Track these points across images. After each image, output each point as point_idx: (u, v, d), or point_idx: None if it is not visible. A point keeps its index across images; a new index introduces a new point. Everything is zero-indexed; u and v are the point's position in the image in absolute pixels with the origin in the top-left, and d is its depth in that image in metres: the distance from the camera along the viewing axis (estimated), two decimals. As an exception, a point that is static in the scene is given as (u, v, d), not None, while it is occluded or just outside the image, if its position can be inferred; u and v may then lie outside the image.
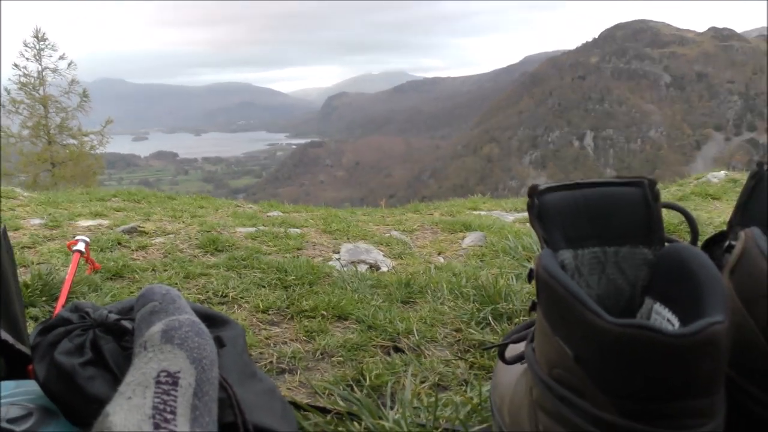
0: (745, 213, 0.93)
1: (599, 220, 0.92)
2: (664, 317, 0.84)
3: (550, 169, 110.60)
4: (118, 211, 3.17)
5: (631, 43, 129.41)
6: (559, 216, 0.93)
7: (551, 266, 0.78)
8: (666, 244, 0.92)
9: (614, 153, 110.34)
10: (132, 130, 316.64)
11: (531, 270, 0.87)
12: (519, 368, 1.05)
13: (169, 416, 0.69)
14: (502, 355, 1.08)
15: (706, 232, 2.48)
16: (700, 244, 1.05)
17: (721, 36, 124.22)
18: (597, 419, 0.68)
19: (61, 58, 18.36)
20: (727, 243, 0.94)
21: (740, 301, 0.81)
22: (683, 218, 2.52)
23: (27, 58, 18.00)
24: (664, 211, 1.05)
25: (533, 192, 0.92)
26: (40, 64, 18.15)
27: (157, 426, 0.66)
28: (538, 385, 0.80)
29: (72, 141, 18.31)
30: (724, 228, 0.99)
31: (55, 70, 18.23)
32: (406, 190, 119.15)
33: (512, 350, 1.12)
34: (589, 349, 0.72)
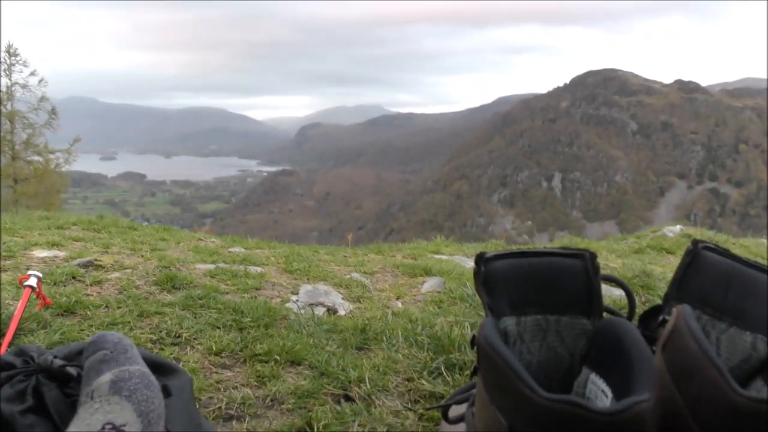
0: (680, 288, 0.97)
1: (543, 288, 0.95)
2: (599, 387, 0.87)
3: (518, 209, 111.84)
4: (76, 240, 3.11)
5: (600, 90, 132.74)
6: (505, 282, 0.96)
7: (492, 337, 0.81)
8: (605, 314, 0.96)
9: (581, 195, 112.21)
10: (101, 149, 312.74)
11: (474, 337, 0.89)
12: (462, 427, 1.07)
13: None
14: (445, 415, 1.10)
15: (659, 287, 2.54)
16: (640, 314, 1.09)
17: (687, 88, 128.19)
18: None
19: (32, 74, 18.08)
20: (661, 318, 0.98)
21: (670, 376, 0.84)
22: (633, 275, 2.54)
23: (-4, 73, 17.68)
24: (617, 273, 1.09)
25: (480, 260, 0.95)
26: (10, 79, 17.85)
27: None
28: (474, 452, 0.82)
29: (37, 158, 17.95)
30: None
31: (24, 86, 17.92)
32: (375, 223, 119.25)
33: (457, 409, 1.14)
34: (524, 421, 0.74)
